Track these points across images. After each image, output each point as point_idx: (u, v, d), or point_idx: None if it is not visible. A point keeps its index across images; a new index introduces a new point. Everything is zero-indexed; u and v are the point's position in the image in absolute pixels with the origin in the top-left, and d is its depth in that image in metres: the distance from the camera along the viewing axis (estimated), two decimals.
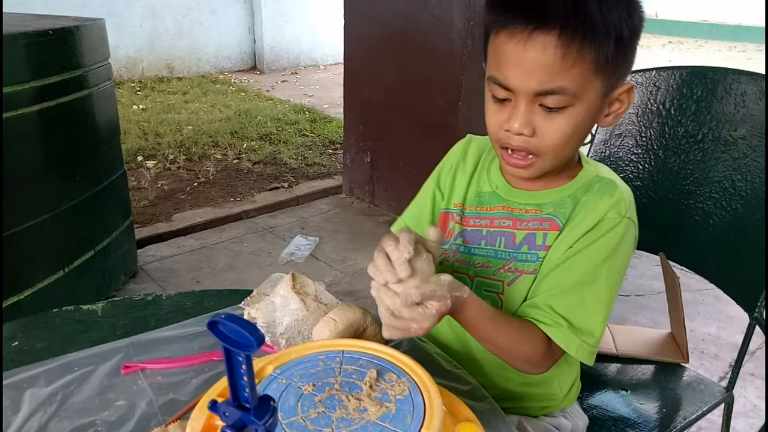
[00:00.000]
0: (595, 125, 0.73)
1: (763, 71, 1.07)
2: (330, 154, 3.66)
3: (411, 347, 0.81)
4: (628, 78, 1.23)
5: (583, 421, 0.87)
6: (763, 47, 9.42)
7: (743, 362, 1.75)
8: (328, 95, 5.19)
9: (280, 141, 3.83)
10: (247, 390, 0.42)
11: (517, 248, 0.75)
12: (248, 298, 0.87)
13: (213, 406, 0.45)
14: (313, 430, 0.54)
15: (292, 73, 6.38)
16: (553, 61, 0.61)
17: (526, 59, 0.62)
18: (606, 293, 0.68)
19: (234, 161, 3.47)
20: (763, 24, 10.01)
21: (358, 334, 0.76)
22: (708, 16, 10.85)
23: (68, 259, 1.74)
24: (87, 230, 1.81)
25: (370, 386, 0.60)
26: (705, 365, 1.73)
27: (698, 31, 10.68)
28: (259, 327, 0.81)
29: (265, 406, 0.44)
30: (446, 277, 0.61)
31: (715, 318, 1.90)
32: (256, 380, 0.62)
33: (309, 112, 4.56)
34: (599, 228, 0.69)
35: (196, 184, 3.11)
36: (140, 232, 2.48)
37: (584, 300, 0.68)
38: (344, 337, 0.73)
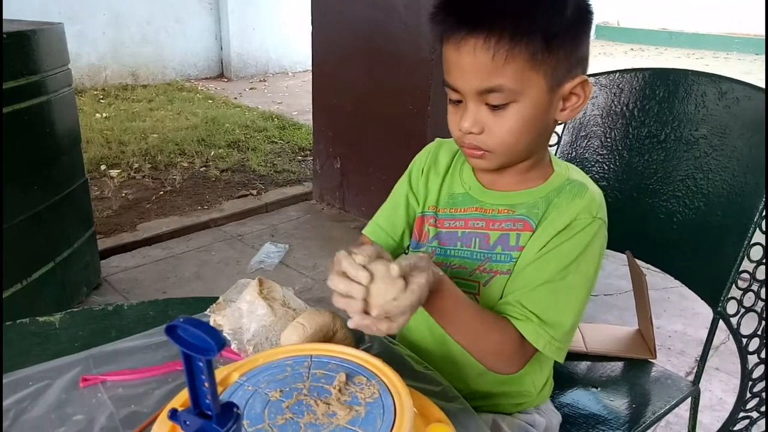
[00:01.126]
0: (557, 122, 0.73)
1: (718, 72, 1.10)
2: (299, 161, 3.63)
3: (382, 349, 0.80)
4: (592, 80, 1.28)
5: (556, 418, 0.87)
6: (720, 54, 9.77)
7: (709, 357, 1.81)
8: (297, 102, 5.16)
9: (248, 148, 3.78)
10: (209, 397, 0.41)
11: (491, 249, 0.75)
12: (214, 305, 0.85)
13: (173, 414, 0.43)
14: None
15: (261, 81, 6.33)
16: (485, 61, 0.64)
17: (462, 62, 0.66)
18: (577, 292, 0.69)
19: (201, 169, 3.41)
20: (720, 33, 10.40)
21: (327, 338, 0.74)
22: (667, 24, 11.20)
23: (26, 271, 1.68)
24: (46, 241, 1.75)
25: (339, 390, 0.58)
26: (672, 361, 1.76)
27: (658, 38, 11.01)
28: (226, 334, 0.80)
29: (228, 413, 0.42)
30: (423, 255, 0.62)
31: (680, 315, 1.94)
32: (221, 388, 0.60)
33: (278, 119, 4.52)
34: (571, 228, 0.70)
35: (162, 192, 3.04)
36: (104, 243, 2.41)
37: (555, 297, 0.68)
38: (313, 342, 0.71)
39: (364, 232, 0.88)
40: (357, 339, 0.81)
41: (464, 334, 0.68)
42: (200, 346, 0.39)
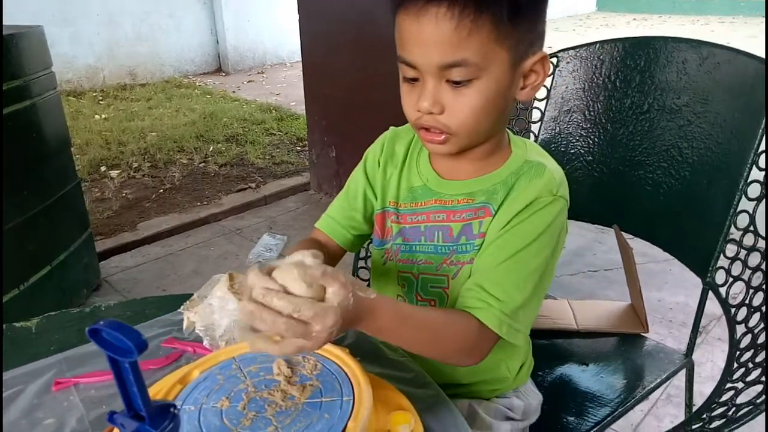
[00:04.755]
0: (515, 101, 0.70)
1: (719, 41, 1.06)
2: (298, 152, 3.62)
3: (355, 338, 0.79)
4: (572, 53, 1.25)
5: (536, 399, 0.86)
6: (726, 19, 9.55)
7: (711, 328, 1.78)
8: (295, 92, 5.13)
9: (246, 141, 3.78)
10: (140, 398, 0.40)
11: (455, 241, 0.73)
12: (187, 302, 0.84)
13: (111, 417, 0.43)
14: None
15: (259, 73, 6.31)
16: (448, 32, 0.60)
17: (422, 34, 0.61)
18: (535, 270, 0.67)
19: (200, 165, 3.42)
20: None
21: None
22: None
23: (23, 276, 1.69)
24: (41, 245, 1.76)
25: (284, 375, 0.59)
26: (674, 333, 1.74)
27: (661, 6, 10.80)
28: (198, 330, 0.79)
29: (164, 414, 0.42)
30: (347, 275, 0.56)
31: (682, 286, 1.92)
32: (182, 386, 0.60)
33: (276, 110, 4.51)
34: (531, 207, 0.67)
35: (161, 190, 3.05)
36: (104, 244, 2.43)
37: (513, 275, 0.66)
38: None
39: (317, 225, 0.85)
40: None
41: (415, 346, 0.65)
42: (124, 349, 0.38)
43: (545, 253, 0.67)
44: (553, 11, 10.18)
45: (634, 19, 10.19)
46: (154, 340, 0.81)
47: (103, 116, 4.41)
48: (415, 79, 0.66)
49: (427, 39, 0.61)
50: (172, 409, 0.42)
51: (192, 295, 0.86)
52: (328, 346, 0.64)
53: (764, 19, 8.95)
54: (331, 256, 0.84)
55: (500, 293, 0.65)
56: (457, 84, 0.63)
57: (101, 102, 4.93)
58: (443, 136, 0.67)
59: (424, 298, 0.77)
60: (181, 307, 0.83)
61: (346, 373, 0.60)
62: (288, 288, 0.51)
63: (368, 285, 0.94)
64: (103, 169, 3.34)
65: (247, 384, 0.59)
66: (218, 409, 0.56)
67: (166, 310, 0.87)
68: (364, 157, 0.84)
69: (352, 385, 0.58)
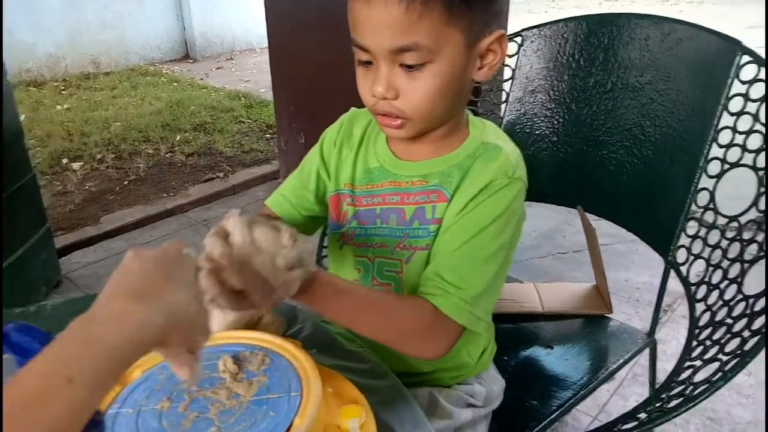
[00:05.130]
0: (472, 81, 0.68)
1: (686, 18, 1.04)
2: (267, 139, 3.56)
3: (312, 330, 0.77)
4: (536, 31, 1.23)
5: (499, 384, 0.85)
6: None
7: (677, 306, 1.81)
8: (265, 79, 4.99)
9: (215, 130, 3.69)
10: None
11: (408, 224, 0.71)
12: None
13: None
14: None
15: (228, 59, 6.17)
16: (398, 15, 0.58)
17: (372, 17, 0.59)
18: (493, 254, 0.65)
19: (167, 155, 3.33)
20: None
21: (252, 323, 0.71)
22: None
23: None
24: None
25: (230, 371, 0.56)
26: (640, 313, 1.76)
27: None
28: None
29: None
30: (312, 245, 0.58)
31: (648, 266, 1.93)
32: (120, 387, 0.57)
33: (245, 97, 4.42)
34: (486, 191, 0.66)
35: (126, 182, 2.97)
36: (66, 239, 2.35)
37: (470, 260, 0.64)
38: (236, 329, 0.68)
39: (267, 202, 0.83)
40: (287, 321, 0.78)
41: (366, 328, 0.65)
42: (34, 352, 0.35)
43: (503, 237, 0.66)
44: None
45: None
46: None
47: (65, 106, 4.26)
48: (369, 63, 0.64)
49: (377, 22, 0.59)
50: (95, 415, 0.39)
51: None
52: (279, 340, 0.62)
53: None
54: None
55: (458, 280, 0.64)
56: (410, 68, 0.61)
57: (63, 92, 4.77)
58: (399, 121, 0.65)
59: (380, 283, 0.75)
60: None
61: (295, 368, 0.57)
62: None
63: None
64: (65, 161, 3.23)
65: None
66: (158, 411, 0.53)
67: None
68: (321, 137, 0.82)
69: (301, 380, 0.56)
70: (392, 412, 0.62)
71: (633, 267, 1.98)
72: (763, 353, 0.71)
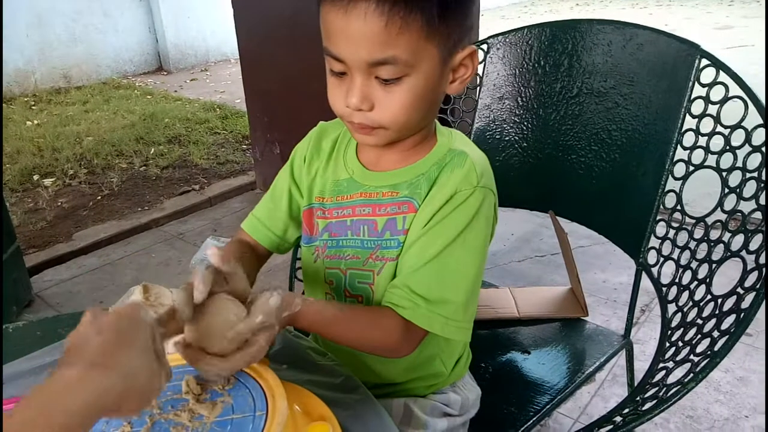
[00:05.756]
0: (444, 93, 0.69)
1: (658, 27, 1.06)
2: (243, 150, 3.53)
3: (284, 343, 0.76)
4: (501, 38, 1.24)
5: (474, 392, 0.84)
6: (663, 2, 9.88)
7: (653, 306, 1.82)
8: (240, 89, 4.92)
9: (190, 142, 3.66)
10: None
11: (380, 236, 0.71)
12: None
13: None
14: None
15: (202, 71, 6.13)
16: (377, 29, 0.57)
17: (350, 29, 0.58)
18: (467, 266, 0.65)
19: (141, 169, 3.28)
20: None
21: None
22: None
23: None
24: None
25: (193, 393, 0.55)
26: (617, 314, 1.78)
27: None
28: None
29: None
30: (274, 300, 0.57)
31: (624, 266, 1.95)
32: None
33: (220, 108, 4.38)
34: (452, 201, 0.66)
35: (99, 197, 2.92)
36: (37, 257, 2.30)
37: (442, 275, 0.65)
38: None
39: (243, 226, 0.83)
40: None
41: (342, 342, 0.68)
42: None
43: (473, 246, 0.66)
44: None
45: (577, 4, 10.41)
46: None
47: (36, 122, 4.18)
48: (342, 73, 0.63)
49: (355, 34, 0.58)
50: None
51: (107, 310, 0.81)
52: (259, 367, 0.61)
53: (700, 2, 9.30)
54: (258, 258, 0.83)
55: (428, 293, 0.64)
56: (386, 81, 0.61)
57: (33, 107, 4.68)
58: (372, 130, 0.65)
59: (352, 294, 0.74)
60: None
61: (261, 387, 0.56)
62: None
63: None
64: (36, 177, 3.17)
65: (152, 405, 0.55)
66: None
67: None
68: (292, 155, 0.82)
69: (267, 398, 0.55)
70: (364, 427, 0.61)
71: (610, 268, 2.00)
72: (738, 349, 0.72)
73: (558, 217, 1.18)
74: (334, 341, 0.68)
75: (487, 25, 5.34)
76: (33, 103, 4.83)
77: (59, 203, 2.88)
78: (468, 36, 0.65)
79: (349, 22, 0.57)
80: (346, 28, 0.58)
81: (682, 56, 0.95)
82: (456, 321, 0.65)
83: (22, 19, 5.11)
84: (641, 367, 1.21)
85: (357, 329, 0.66)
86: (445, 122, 1.32)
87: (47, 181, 3.13)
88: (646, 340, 1.66)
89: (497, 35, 1.24)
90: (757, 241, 0.79)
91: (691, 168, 0.94)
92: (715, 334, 0.78)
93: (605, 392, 1.52)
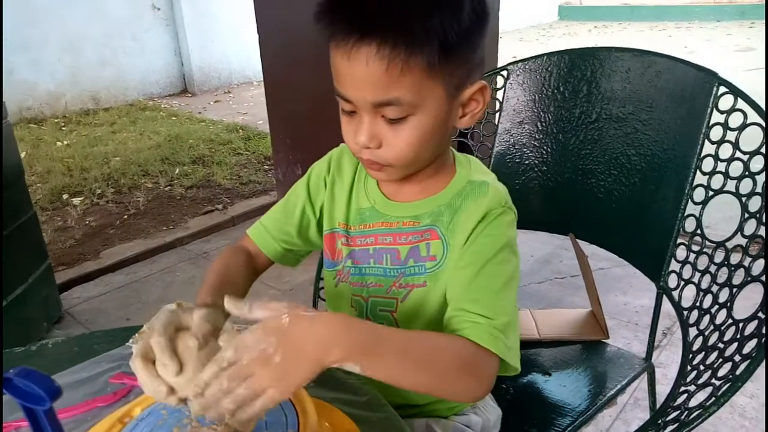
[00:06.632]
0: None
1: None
2: (265, 171, 3.60)
3: None
4: (521, 65, 1.27)
5: (495, 414, 0.85)
6: (682, 24, 9.86)
7: (675, 329, 1.81)
8: (263, 111, 5.04)
9: (213, 162, 3.74)
10: None
11: (403, 264, 0.72)
12: (137, 335, 0.81)
13: None
14: None
15: (225, 93, 6.27)
16: (379, 73, 0.58)
17: (354, 72, 0.60)
18: (508, 282, 0.66)
19: (166, 188, 3.37)
20: (680, 3, 10.50)
21: None
22: (628, 0, 11.32)
23: None
24: None
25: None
26: (639, 336, 1.77)
27: (621, 14, 11.11)
28: None
29: None
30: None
31: (646, 289, 1.94)
32: (123, 424, 0.58)
33: (243, 130, 4.48)
34: (484, 222, 0.67)
35: (126, 216, 3.00)
36: (66, 274, 2.36)
37: (486, 291, 0.65)
38: None
39: (248, 232, 0.84)
40: None
41: (412, 375, 0.57)
42: (37, 396, 0.37)
43: (511, 264, 0.67)
44: (517, 22, 10.41)
45: (595, 26, 10.45)
46: (102, 375, 0.78)
47: (65, 143, 4.32)
48: (352, 112, 0.65)
49: (359, 77, 0.60)
50: None
51: (142, 327, 0.84)
52: None
53: (720, 23, 9.27)
54: (258, 266, 0.83)
55: (483, 309, 0.63)
56: (392, 120, 0.63)
57: (63, 128, 4.84)
58: (381, 166, 0.67)
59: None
60: (130, 340, 0.81)
61: (292, 403, 0.59)
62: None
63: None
64: (65, 197, 3.26)
65: (191, 419, 0.57)
66: None
67: (117, 344, 0.85)
68: (308, 172, 0.82)
69: (297, 415, 0.57)
70: None
71: (631, 291, 1.99)
72: (762, 375, 0.72)
73: (578, 240, 1.20)
74: (401, 374, 0.57)
75: (506, 48, 5.37)
76: (63, 124, 4.99)
77: (87, 222, 2.96)
78: (478, 71, 0.66)
79: (353, 66, 0.60)
80: (351, 72, 0.61)
81: (700, 83, 0.97)
82: (503, 336, 0.62)
83: (54, 44, 5.30)
84: (663, 390, 1.20)
85: (425, 350, 0.59)
86: (464, 146, 1.36)
87: (76, 200, 3.23)
88: (668, 364, 1.65)
89: (517, 62, 1.27)
90: None
91: (711, 193, 0.95)
92: (737, 358, 0.79)
93: (627, 415, 1.51)
